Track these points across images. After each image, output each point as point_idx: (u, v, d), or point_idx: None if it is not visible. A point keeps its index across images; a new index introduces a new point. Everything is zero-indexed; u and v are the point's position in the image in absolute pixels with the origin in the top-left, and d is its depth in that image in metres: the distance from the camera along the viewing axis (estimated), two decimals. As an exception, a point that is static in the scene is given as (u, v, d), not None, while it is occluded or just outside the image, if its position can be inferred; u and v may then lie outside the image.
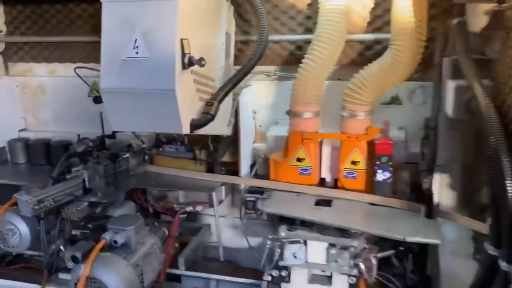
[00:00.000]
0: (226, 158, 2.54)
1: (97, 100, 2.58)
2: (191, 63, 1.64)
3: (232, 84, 1.91)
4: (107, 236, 1.97)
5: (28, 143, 2.80)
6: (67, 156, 2.32)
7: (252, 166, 2.52)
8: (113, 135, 2.62)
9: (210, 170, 2.47)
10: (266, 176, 2.40)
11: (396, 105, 2.37)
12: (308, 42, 2.39)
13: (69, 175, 2.21)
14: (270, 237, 2.07)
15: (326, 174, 2.29)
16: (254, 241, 2.55)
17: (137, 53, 1.63)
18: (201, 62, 1.66)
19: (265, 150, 2.49)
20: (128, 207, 2.41)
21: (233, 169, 2.52)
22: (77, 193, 2.20)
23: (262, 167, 2.44)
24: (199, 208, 2.47)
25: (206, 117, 1.77)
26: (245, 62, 2.00)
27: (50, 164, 2.77)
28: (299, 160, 2.22)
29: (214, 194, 2.32)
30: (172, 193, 2.52)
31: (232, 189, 2.57)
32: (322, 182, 2.29)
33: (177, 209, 2.48)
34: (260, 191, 2.33)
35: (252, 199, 2.26)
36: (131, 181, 2.44)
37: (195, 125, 1.75)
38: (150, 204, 2.51)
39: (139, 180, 2.46)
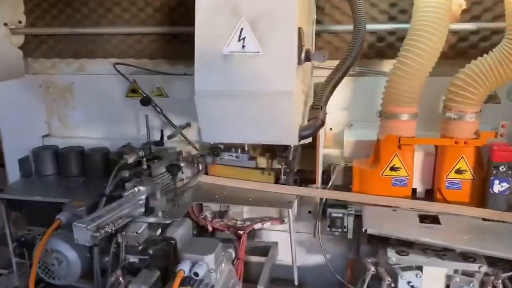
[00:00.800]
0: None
1: (145, 101, 2.25)
2: (307, 57, 1.32)
3: (335, 83, 1.59)
4: (185, 267, 1.63)
5: (57, 152, 2.41)
6: (118, 168, 1.97)
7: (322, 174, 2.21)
8: (160, 142, 2.29)
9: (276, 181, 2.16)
10: (344, 187, 2.10)
11: (494, 103, 2.09)
12: (391, 32, 2.12)
13: (126, 192, 1.85)
14: (370, 260, 1.78)
15: (417, 184, 2.00)
16: (322, 259, 2.28)
17: (243, 46, 1.30)
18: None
19: (340, 157, 2.19)
20: (185, 226, 2.07)
21: (300, 179, 2.22)
22: (135, 213, 1.86)
23: (339, 177, 2.14)
24: (267, 224, 2.15)
25: (316, 123, 1.45)
26: (344, 56, 1.67)
27: (85, 175, 2.40)
28: (393, 169, 1.92)
29: (291, 210, 2.00)
30: (234, 208, 2.19)
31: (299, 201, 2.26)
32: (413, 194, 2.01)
33: (241, 226, 2.16)
34: (342, 204, 2.04)
35: (339, 215, 1.96)
36: (188, 196, 2.10)
37: (303, 134, 1.42)
38: (208, 221, 2.17)
39: (198, 194, 2.12)
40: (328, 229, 2.00)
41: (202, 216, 2.18)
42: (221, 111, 1.39)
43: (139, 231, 1.81)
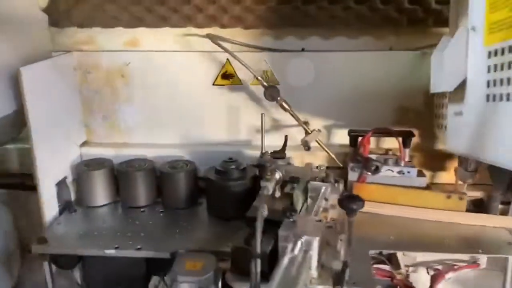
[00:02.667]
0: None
1: (273, 93, 1.49)
2: None
3: None
4: None
5: (117, 170, 1.59)
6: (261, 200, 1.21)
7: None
8: (283, 152, 1.54)
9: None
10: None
11: None
12: None
13: (295, 248, 1.09)
14: None
15: None
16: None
17: None
18: None
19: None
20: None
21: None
22: (306, 280, 1.11)
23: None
24: (459, 271, 1.48)
25: None
26: None
27: (161, 204, 1.59)
28: None
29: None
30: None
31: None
32: None
33: (408, 273, 1.48)
34: None
35: None
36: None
37: None
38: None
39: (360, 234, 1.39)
40: None
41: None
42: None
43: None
